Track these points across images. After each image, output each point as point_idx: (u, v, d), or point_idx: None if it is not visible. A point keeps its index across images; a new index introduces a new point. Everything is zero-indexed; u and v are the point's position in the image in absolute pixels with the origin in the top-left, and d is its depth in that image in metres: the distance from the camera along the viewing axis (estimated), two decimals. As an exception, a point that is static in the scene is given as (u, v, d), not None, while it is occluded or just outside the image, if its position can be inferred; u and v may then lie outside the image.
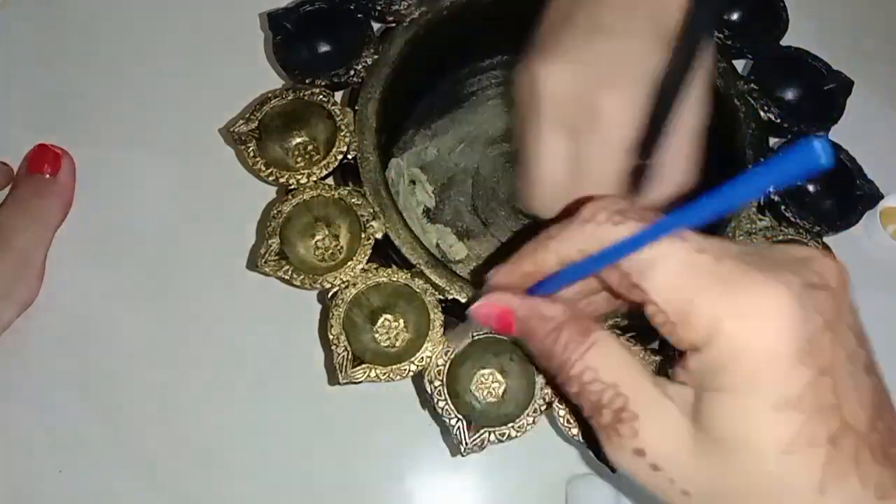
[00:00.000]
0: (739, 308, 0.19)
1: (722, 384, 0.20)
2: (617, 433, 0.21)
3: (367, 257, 0.34)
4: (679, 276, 0.20)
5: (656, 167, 0.31)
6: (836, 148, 0.39)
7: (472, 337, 0.32)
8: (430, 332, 0.33)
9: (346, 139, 0.37)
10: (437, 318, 0.33)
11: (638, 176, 0.31)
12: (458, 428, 0.31)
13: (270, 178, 0.36)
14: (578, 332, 0.22)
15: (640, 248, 0.21)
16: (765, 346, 0.19)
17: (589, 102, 0.29)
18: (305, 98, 0.37)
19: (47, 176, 0.40)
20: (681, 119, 0.30)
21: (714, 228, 0.37)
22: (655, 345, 0.35)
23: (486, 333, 0.32)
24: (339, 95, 0.39)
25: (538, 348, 0.23)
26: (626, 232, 0.21)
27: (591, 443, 0.31)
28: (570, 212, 0.24)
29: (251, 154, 0.36)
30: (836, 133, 0.40)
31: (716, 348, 0.19)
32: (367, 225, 0.35)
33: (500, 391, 0.34)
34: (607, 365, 0.22)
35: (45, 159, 0.41)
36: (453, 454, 0.38)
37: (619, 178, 0.30)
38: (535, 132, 0.31)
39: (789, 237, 0.37)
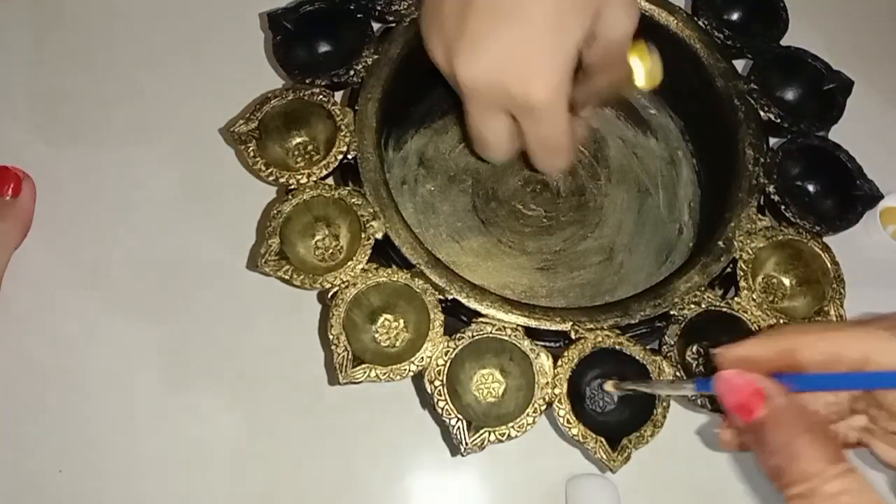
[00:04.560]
0: None
1: None
2: None
3: (367, 257, 0.34)
4: None
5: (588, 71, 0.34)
6: (836, 148, 0.39)
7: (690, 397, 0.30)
8: (430, 332, 0.33)
9: (346, 139, 0.37)
10: (437, 318, 0.33)
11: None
12: (458, 428, 0.31)
13: (270, 178, 0.36)
14: (834, 448, 0.21)
15: None
16: None
17: (518, 95, 0.30)
18: (305, 98, 0.37)
19: (7, 198, 0.40)
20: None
21: (715, 229, 0.37)
22: (655, 345, 0.35)
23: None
24: (339, 95, 0.39)
25: (783, 442, 0.22)
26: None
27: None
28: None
29: (251, 154, 0.36)
30: (836, 133, 0.40)
31: None
32: (367, 225, 0.35)
33: (500, 391, 0.34)
34: (862, 492, 0.20)
35: (5, 181, 0.40)
36: (453, 454, 0.38)
37: (566, 137, 0.33)
38: (476, 113, 0.33)
39: (789, 237, 0.37)
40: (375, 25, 0.40)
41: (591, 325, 0.34)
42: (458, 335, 0.33)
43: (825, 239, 0.37)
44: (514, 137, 0.34)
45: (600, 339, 0.33)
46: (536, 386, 0.32)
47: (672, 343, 0.34)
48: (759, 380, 0.23)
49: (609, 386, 0.33)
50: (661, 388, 0.31)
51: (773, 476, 0.22)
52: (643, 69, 0.36)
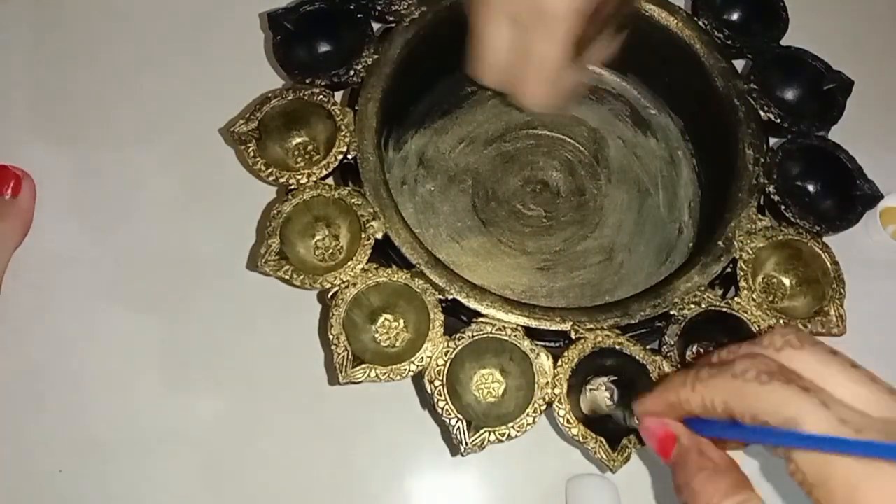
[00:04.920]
0: (876, 480, 0.20)
1: None
2: None
3: (367, 257, 0.34)
4: None
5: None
6: (836, 148, 0.39)
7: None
8: (430, 332, 0.33)
9: (346, 139, 0.37)
10: (437, 318, 0.33)
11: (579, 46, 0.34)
12: (458, 428, 0.31)
13: (270, 178, 0.36)
14: (733, 483, 0.23)
15: (790, 445, 0.22)
16: None
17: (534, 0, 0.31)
18: (305, 98, 0.37)
19: (7, 197, 0.40)
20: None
21: (715, 229, 0.37)
22: (655, 345, 0.35)
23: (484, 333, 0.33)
24: (339, 95, 0.39)
25: (685, 481, 0.24)
26: (773, 394, 0.22)
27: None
28: (722, 361, 0.25)
29: (251, 154, 0.36)
30: (836, 133, 0.40)
31: None
32: (367, 225, 0.35)
33: (500, 391, 0.34)
34: None
35: (5, 180, 0.40)
36: (453, 454, 0.38)
37: (560, 66, 0.34)
38: (482, 18, 0.34)
39: (789, 237, 0.37)
40: (375, 25, 0.40)
41: (591, 325, 0.34)
42: (458, 335, 0.33)
43: (825, 239, 0.37)
44: (510, 55, 0.34)
45: (600, 339, 0.33)
46: (536, 386, 0.32)
47: (672, 343, 0.34)
48: (672, 425, 0.26)
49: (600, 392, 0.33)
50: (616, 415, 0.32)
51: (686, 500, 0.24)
52: None
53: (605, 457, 0.31)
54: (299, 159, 0.39)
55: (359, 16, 0.40)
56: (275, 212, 0.35)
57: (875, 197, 0.38)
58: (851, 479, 0.20)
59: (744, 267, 0.36)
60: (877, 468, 0.20)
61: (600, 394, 0.33)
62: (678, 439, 0.25)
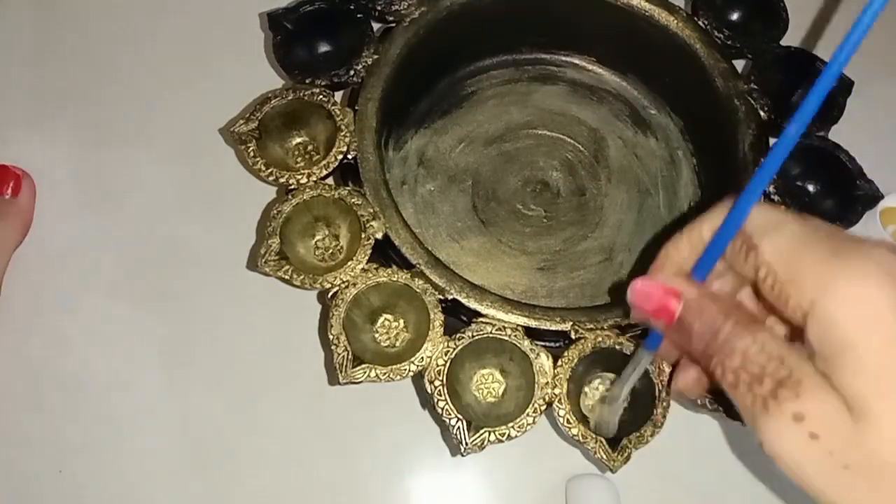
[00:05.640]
0: (845, 275, 0.20)
1: (835, 347, 0.20)
2: (776, 399, 0.20)
3: (367, 257, 0.34)
4: (793, 241, 0.21)
5: None
6: (836, 148, 0.39)
7: (636, 384, 0.30)
8: (430, 332, 0.33)
9: (346, 139, 0.37)
10: (437, 318, 0.33)
11: None
12: (458, 428, 0.31)
13: (270, 178, 0.36)
14: (748, 317, 0.22)
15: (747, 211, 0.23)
16: (868, 311, 0.19)
17: None
18: (305, 98, 0.37)
19: (7, 197, 0.40)
20: None
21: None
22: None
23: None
24: (339, 95, 0.39)
25: (703, 326, 0.23)
26: (764, 208, 0.23)
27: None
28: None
29: (251, 154, 0.36)
30: (836, 133, 0.40)
31: (821, 311, 0.20)
32: (367, 225, 0.35)
33: (500, 391, 0.34)
34: (774, 342, 0.21)
35: (5, 180, 0.40)
36: (453, 454, 0.38)
37: None
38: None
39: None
40: (375, 25, 0.40)
41: (591, 325, 0.34)
42: (458, 335, 0.33)
43: (825, 239, 0.37)
44: None
45: (600, 339, 0.33)
46: (536, 386, 0.32)
47: (672, 343, 0.34)
48: (667, 279, 0.24)
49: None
50: (626, 380, 0.31)
51: (706, 361, 0.23)
52: None
53: (605, 457, 0.31)
54: (299, 159, 0.39)
55: (359, 16, 0.40)
56: (275, 212, 0.35)
57: (875, 197, 0.38)
58: (823, 276, 0.20)
59: (744, 267, 0.36)
60: (844, 264, 0.20)
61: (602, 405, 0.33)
62: (683, 293, 0.23)
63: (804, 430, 0.19)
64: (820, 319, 0.20)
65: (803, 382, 0.20)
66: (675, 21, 0.41)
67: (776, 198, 0.37)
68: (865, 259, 0.20)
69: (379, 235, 0.35)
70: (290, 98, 0.37)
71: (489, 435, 0.31)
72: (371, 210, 0.35)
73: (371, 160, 0.37)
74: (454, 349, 0.32)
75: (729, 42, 0.41)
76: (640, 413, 0.32)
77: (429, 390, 0.32)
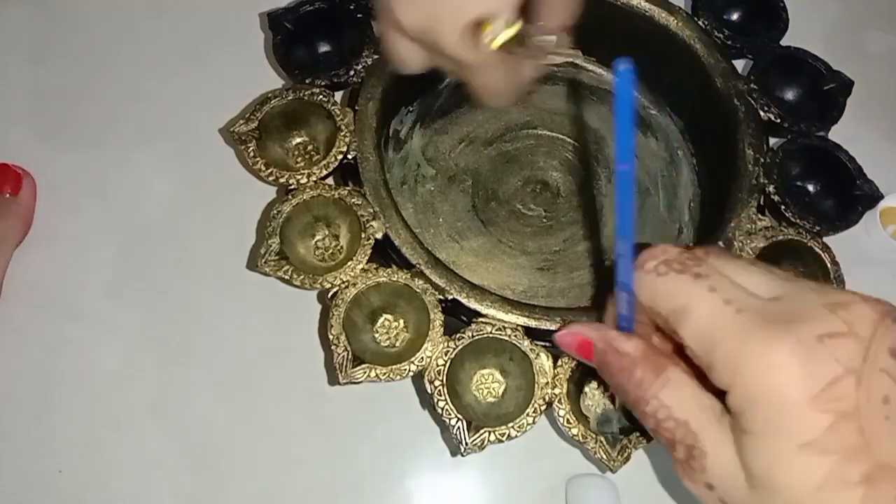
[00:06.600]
0: (753, 359, 0.20)
1: (749, 426, 0.20)
2: (691, 468, 0.22)
3: (367, 257, 0.34)
4: (705, 325, 0.22)
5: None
6: (836, 148, 0.39)
7: None
8: (430, 332, 0.33)
9: (346, 139, 0.37)
10: (436, 318, 0.33)
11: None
12: (458, 428, 0.31)
13: (270, 178, 0.36)
14: (652, 369, 0.24)
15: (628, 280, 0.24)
16: (776, 394, 0.20)
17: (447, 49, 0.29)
18: (305, 98, 0.37)
19: (7, 196, 0.40)
20: None
21: (715, 229, 0.37)
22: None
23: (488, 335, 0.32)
24: (339, 95, 0.39)
25: (613, 382, 0.25)
26: (668, 284, 0.23)
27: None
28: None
29: (251, 154, 0.36)
30: (836, 133, 0.40)
31: (739, 391, 0.21)
32: (367, 225, 0.35)
33: (500, 391, 0.34)
34: (680, 402, 0.23)
35: (6, 179, 0.40)
36: (453, 454, 0.38)
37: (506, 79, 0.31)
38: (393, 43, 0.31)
39: (789, 237, 0.37)
40: (375, 25, 0.40)
41: (591, 325, 0.34)
42: (458, 335, 0.33)
43: (825, 239, 0.37)
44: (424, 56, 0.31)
45: (600, 339, 0.33)
46: (536, 386, 0.32)
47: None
48: (582, 331, 0.26)
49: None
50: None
51: (624, 402, 0.25)
52: None
53: (605, 457, 0.31)
54: (299, 159, 0.39)
55: (359, 16, 0.40)
56: (275, 212, 0.35)
57: (875, 197, 0.38)
58: (734, 360, 0.21)
59: (744, 267, 0.36)
60: (750, 349, 0.20)
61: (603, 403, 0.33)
62: (593, 343, 0.25)
63: (715, 497, 0.22)
64: (735, 400, 0.21)
65: (708, 455, 0.22)
66: (675, 21, 0.41)
67: (776, 198, 0.37)
68: (780, 342, 0.20)
69: (379, 235, 0.35)
70: (290, 98, 0.37)
71: (489, 435, 0.31)
72: (371, 210, 0.35)
73: (371, 160, 0.37)
74: (454, 349, 0.32)
75: (729, 42, 0.41)
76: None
77: (429, 390, 0.32)
